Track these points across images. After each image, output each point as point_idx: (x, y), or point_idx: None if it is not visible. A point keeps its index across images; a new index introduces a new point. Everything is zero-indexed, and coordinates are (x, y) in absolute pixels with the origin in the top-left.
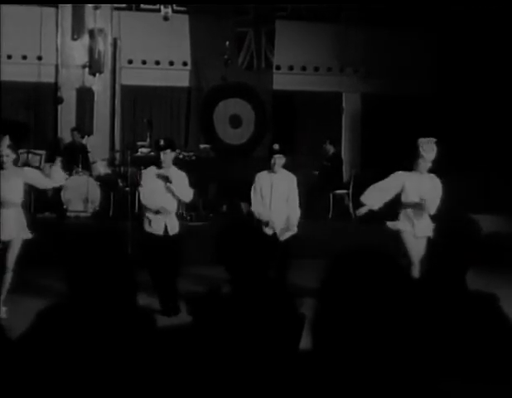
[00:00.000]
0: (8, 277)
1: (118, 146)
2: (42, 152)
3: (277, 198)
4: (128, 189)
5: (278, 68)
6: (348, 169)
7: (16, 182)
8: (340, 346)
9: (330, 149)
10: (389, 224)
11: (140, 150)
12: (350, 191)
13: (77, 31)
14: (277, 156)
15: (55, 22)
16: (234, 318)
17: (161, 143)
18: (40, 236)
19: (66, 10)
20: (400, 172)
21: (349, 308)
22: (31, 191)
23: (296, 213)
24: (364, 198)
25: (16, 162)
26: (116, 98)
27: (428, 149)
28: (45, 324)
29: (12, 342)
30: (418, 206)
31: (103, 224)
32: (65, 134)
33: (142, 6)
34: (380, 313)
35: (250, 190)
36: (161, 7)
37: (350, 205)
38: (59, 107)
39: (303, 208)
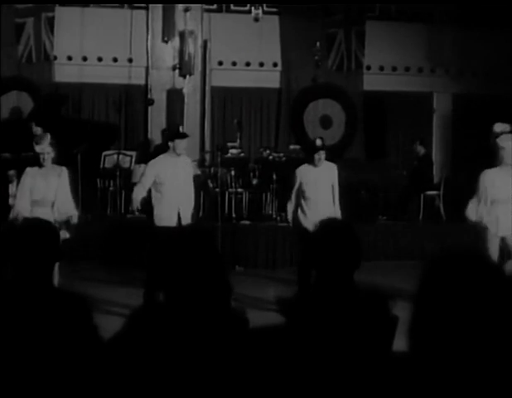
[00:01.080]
0: None
1: (208, 147)
2: (133, 153)
3: (322, 192)
4: (218, 190)
5: (369, 68)
6: (438, 170)
7: (54, 181)
8: (438, 349)
9: (421, 150)
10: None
11: (230, 151)
12: (441, 192)
13: (167, 33)
14: (321, 152)
15: (145, 24)
16: (326, 320)
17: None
18: (128, 237)
19: (156, 12)
20: (485, 170)
21: (449, 312)
22: (118, 192)
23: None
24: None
25: (54, 160)
26: (206, 99)
27: (506, 138)
28: (139, 325)
29: (105, 342)
30: (506, 203)
31: (193, 225)
32: (156, 135)
33: (232, 7)
34: (480, 317)
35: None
36: (252, 8)
37: (441, 206)
38: (149, 108)
39: (394, 209)
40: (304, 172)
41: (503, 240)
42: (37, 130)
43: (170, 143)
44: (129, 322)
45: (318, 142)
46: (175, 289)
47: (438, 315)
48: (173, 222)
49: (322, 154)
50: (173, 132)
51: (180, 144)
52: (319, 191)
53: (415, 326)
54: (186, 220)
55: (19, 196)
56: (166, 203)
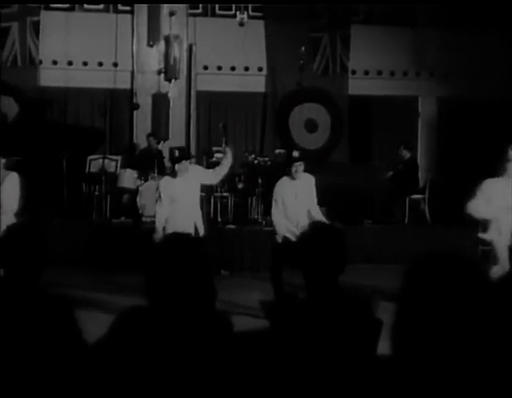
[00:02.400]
0: None
1: (193, 151)
2: (118, 157)
3: (302, 204)
4: (203, 194)
5: (354, 72)
6: (424, 174)
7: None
8: (421, 351)
9: (406, 154)
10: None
11: (215, 155)
12: (426, 196)
13: (153, 38)
14: (298, 163)
15: (130, 29)
16: (311, 323)
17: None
18: (113, 241)
19: (142, 16)
20: (489, 179)
21: (431, 313)
22: (103, 197)
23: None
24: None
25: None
26: (191, 103)
27: None
28: (123, 329)
29: (90, 345)
30: (506, 213)
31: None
32: (141, 140)
33: (217, 11)
34: (462, 318)
35: (322, 195)
36: (237, 12)
37: (426, 209)
38: (134, 113)
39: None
40: (282, 189)
41: (490, 243)
42: None
43: (178, 166)
44: (114, 325)
45: (295, 153)
46: (160, 292)
47: (421, 316)
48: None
49: (299, 166)
50: (177, 154)
51: (186, 164)
52: (299, 205)
53: (398, 327)
54: (201, 230)
55: None
56: (181, 218)
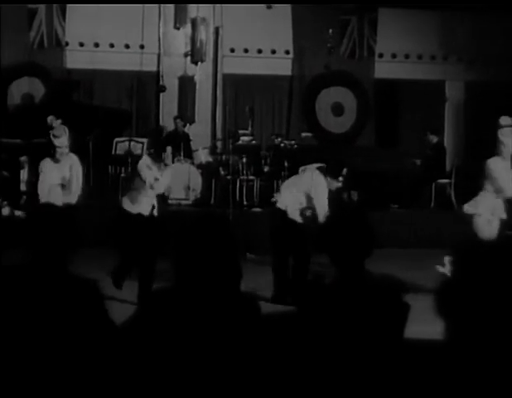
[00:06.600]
0: None
1: (219, 134)
2: (144, 140)
3: None
4: (229, 177)
5: (381, 56)
6: (451, 158)
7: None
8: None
9: (434, 139)
10: (466, 207)
11: (242, 138)
12: (453, 180)
13: (179, 20)
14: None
15: (157, 11)
16: (338, 307)
17: None
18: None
19: None
20: (489, 160)
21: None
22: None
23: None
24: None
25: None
26: (218, 86)
27: (507, 133)
28: (151, 308)
29: (119, 326)
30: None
31: (208, 210)
32: (167, 122)
33: None
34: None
35: (353, 179)
36: None
37: (453, 194)
38: (161, 95)
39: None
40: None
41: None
42: (56, 123)
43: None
44: (141, 306)
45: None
46: (188, 272)
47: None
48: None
49: None
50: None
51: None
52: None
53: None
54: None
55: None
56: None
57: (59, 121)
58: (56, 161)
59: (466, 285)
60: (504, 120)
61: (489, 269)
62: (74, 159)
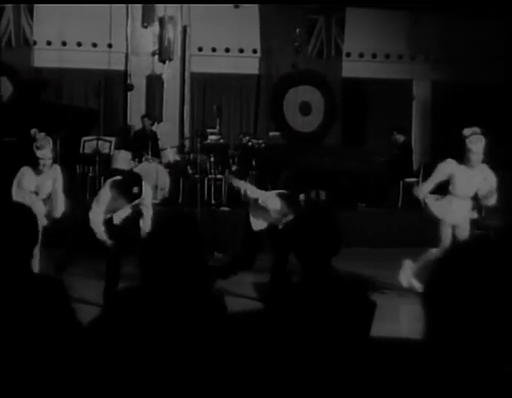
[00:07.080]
0: None
1: (187, 133)
2: (112, 138)
3: None
4: (197, 176)
5: (348, 55)
6: (418, 157)
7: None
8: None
9: (400, 138)
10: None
11: (210, 137)
12: (420, 179)
13: (147, 19)
14: None
15: (125, 10)
16: (305, 305)
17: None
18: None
19: None
20: (450, 159)
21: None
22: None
23: None
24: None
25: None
26: (186, 85)
27: (475, 140)
28: (117, 308)
29: (85, 326)
30: (465, 199)
31: (173, 210)
32: (135, 121)
33: None
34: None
35: (320, 178)
36: None
37: None
38: (129, 94)
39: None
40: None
41: (455, 227)
42: (40, 135)
43: None
44: (106, 305)
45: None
46: (153, 271)
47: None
48: None
49: None
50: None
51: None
52: None
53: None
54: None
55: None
56: None
57: (42, 134)
58: (38, 172)
59: (444, 286)
60: (467, 131)
61: (463, 271)
62: (57, 172)
